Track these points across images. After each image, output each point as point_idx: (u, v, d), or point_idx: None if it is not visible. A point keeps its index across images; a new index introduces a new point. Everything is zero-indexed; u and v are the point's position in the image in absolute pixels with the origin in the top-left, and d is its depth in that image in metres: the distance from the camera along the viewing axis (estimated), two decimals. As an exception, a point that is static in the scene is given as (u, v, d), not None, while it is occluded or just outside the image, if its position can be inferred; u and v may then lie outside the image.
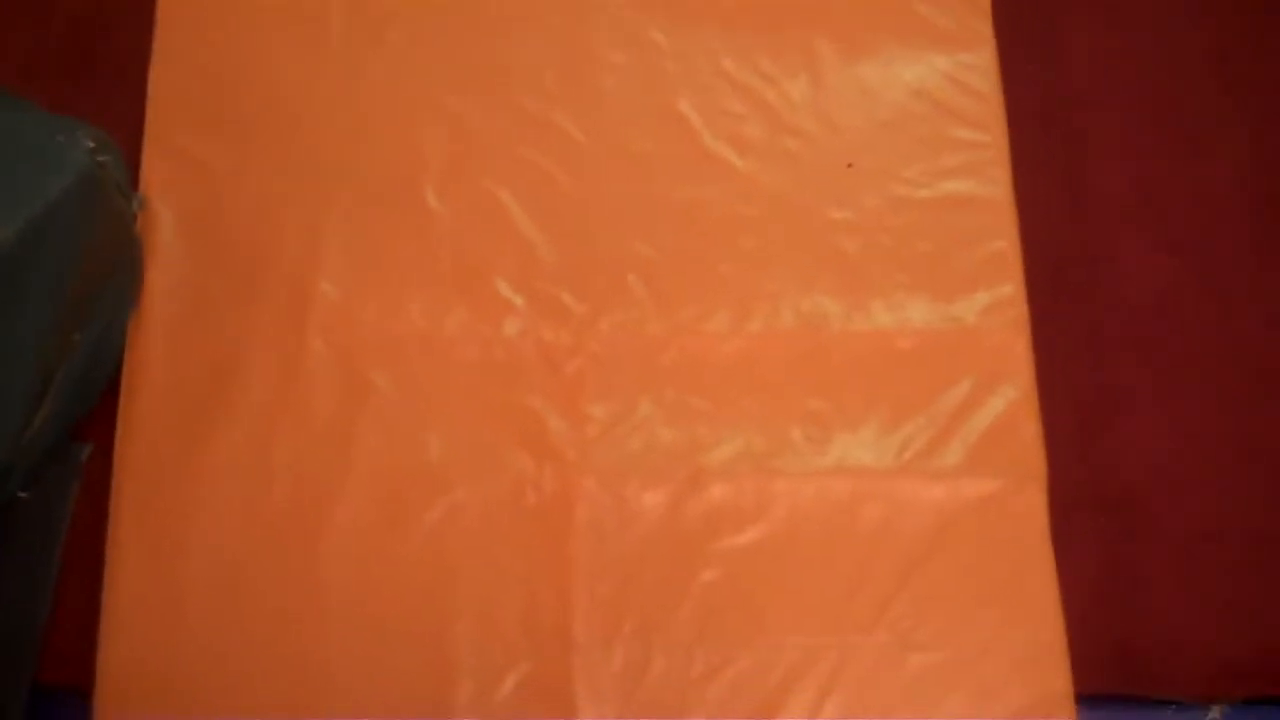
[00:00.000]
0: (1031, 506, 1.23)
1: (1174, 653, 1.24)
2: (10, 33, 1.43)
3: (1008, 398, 1.26)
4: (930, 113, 1.36)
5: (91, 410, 1.27)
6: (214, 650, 1.19)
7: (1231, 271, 1.37)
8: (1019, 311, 1.29)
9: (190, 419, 1.25)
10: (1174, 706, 1.23)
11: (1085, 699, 1.19)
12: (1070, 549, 1.24)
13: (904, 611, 1.19)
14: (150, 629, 1.19)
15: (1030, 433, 1.25)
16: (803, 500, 1.23)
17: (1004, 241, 1.31)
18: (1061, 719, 1.17)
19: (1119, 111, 1.43)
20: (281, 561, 1.21)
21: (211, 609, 1.20)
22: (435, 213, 1.33)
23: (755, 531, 1.22)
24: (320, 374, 1.26)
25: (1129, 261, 1.37)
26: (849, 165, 1.34)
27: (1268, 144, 1.42)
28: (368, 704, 1.17)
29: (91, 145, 1.14)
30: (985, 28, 1.39)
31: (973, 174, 1.33)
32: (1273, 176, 1.41)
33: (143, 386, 1.26)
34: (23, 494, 1.22)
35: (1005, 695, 1.17)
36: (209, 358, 1.27)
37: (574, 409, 1.26)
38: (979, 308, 1.29)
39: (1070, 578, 1.22)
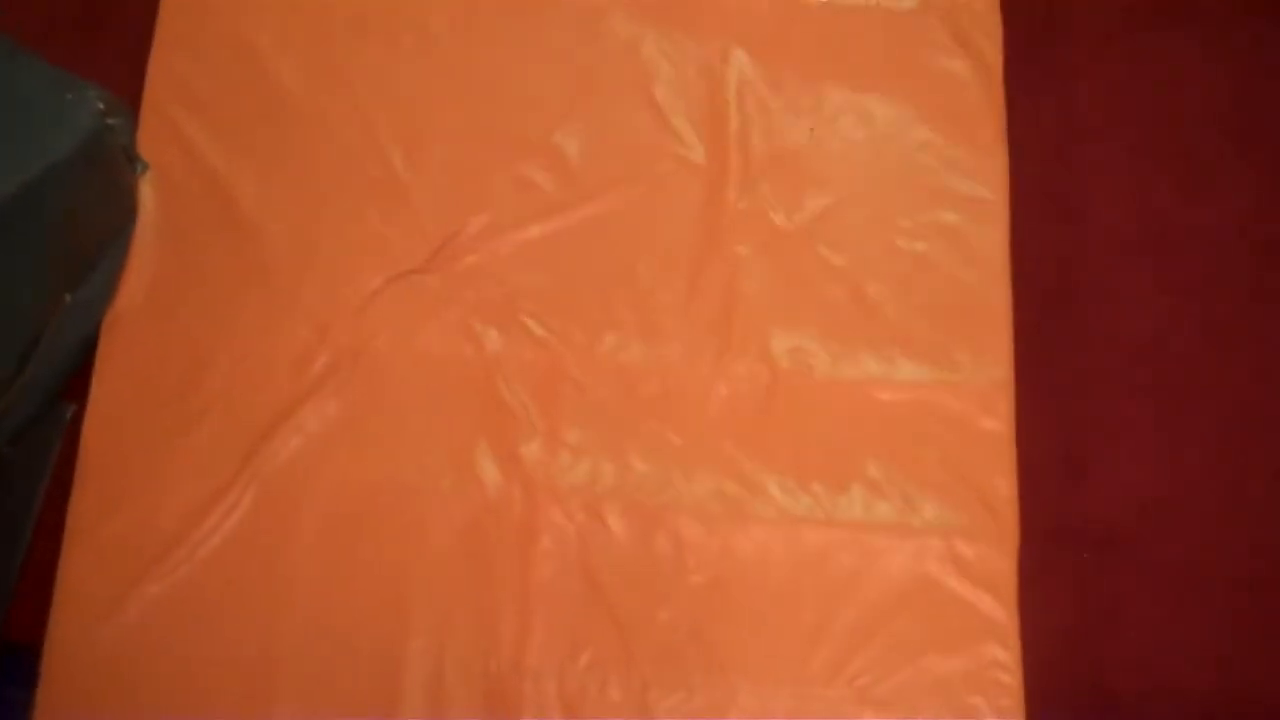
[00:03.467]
0: (1002, 566, 1.22)
1: (1150, 700, 1.23)
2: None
3: (986, 456, 1.25)
4: (933, 164, 1.33)
5: (78, 372, 1.26)
6: (164, 639, 1.18)
7: (1229, 315, 1.37)
8: (1005, 370, 1.28)
9: (162, 402, 1.24)
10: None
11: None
12: (1049, 588, 1.23)
13: (863, 667, 1.18)
14: (100, 608, 1.18)
15: (1006, 492, 1.24)
16: (772, 545, 1.22)
17: (995, 298, 1.30)
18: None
19: (1125, 149, 1.42)
20: (242, 556, 1.20)
21: (164, 596, 1.19)
22: (427, 220, 1.31)
23: (721, 572, 1.21)
24: (298, 370, 1.25)
25: (1127, 299, 1.37)
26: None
27: (1270, 190, 1.41)
28: (314, 709, 1.16)
29: (101, 107, 1.12)
30: (996, 88, 1.34)
31: (970, 227, 1.31)
32: (1274, 223, 1.40)
33: (113, 366, 1.25)
34: (4, 449, 1.20)
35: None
36: (188, 339, 1.26)
37: (549, 433, 1.24)
38: (966, 364, 1.28)
39: (1047, 618, 1.21)
